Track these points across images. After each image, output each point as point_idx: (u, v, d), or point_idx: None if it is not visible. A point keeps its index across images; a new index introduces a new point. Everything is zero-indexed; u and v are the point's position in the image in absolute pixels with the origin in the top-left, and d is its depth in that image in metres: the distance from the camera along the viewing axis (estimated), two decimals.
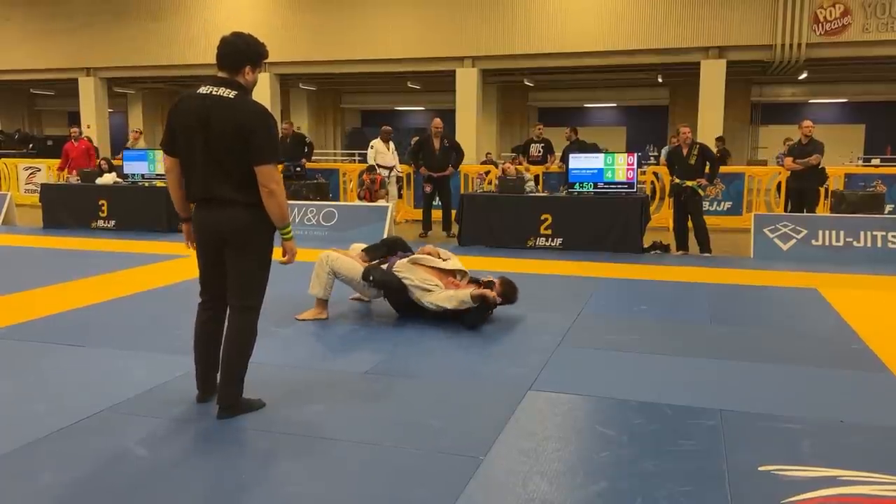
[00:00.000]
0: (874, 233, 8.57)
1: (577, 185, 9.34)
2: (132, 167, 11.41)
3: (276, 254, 3.56)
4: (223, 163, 3.32)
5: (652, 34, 15.73)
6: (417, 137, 11.15)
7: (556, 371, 4.32)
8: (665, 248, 9.07)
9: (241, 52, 3.40)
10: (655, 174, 12.48)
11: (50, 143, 24.71)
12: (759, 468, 3.02)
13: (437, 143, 10.56)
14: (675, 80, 21.09)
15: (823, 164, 9.90)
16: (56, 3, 18.92)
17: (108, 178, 11.54)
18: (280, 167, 3.42)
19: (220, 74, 3.41)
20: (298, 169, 12.22)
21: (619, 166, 9.19)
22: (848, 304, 6.10)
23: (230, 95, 3.33)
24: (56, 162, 14.66)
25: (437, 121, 10.75)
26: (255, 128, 3.28)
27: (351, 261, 5.61)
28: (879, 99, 21.94)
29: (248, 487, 2.89)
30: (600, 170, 9.25)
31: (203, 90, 3.37)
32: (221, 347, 3.54)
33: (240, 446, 3.30)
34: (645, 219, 9.07)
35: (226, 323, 3.57)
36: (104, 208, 11.00)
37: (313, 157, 14.11)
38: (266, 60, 3.58)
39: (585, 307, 5.95)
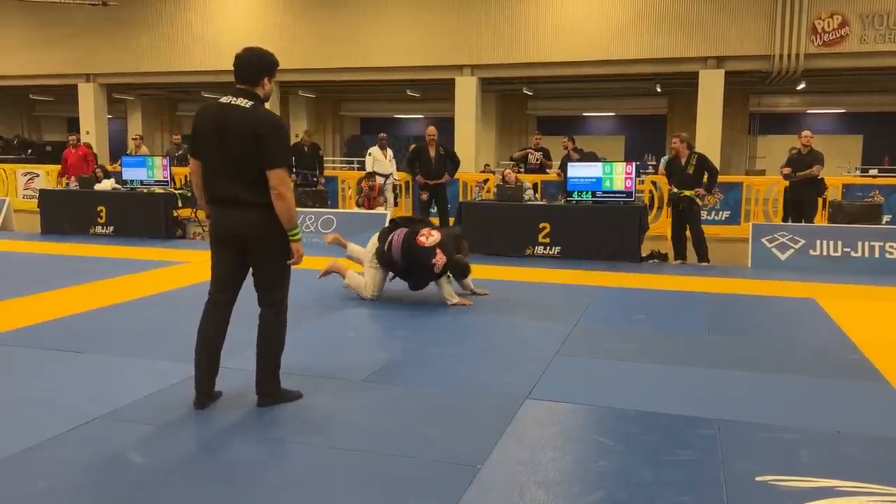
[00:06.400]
0: (872, 243, 8.58)
1: (575, 194, 9.35)
2: (131, 173, 11.42)
3: None
4: (237, 166, 3.55)
5: (650, 44, 15.78)
6: (415, 146, 11.17)
7: (554, 380, 4.32)
8: (663, 258, 9.08)
9: (255, 66, 3.66)
10: (654, 183, 12.50)
11: (49, 148, 24.78)
12: (757, 478, 3.02)
13: (432, 151, 10.58)
14: (674, 90, 21.16)
15: (822, 174, 9.92)
16: (56, 9, 18.95)
17: (107, 185, 11.54)
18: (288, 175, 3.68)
19: (240, 86, 3.64)
20: (315, 178, 12.27)
21: (618, 175, 9.19)
22: (846, 314, 6.10)
23: (247, 105, 3.58)
24: (55, 167, 14.70)
25: (432, 129, 10.76)
26: (267, 134, 3.52)
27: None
28: (877, 110, 21.98)
29: (243, 495, 2.88)
30: (599, 179, 9.26)
31: (224, 99, 3.63)
32: (255, 344, 3.75)
33: (235, 454, 3.29)
34: (643, 228, 9.07)
35: (257, 322, 3.77)
36: (103, 214, 11.00)
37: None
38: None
39: (583, 316, 5.95)
